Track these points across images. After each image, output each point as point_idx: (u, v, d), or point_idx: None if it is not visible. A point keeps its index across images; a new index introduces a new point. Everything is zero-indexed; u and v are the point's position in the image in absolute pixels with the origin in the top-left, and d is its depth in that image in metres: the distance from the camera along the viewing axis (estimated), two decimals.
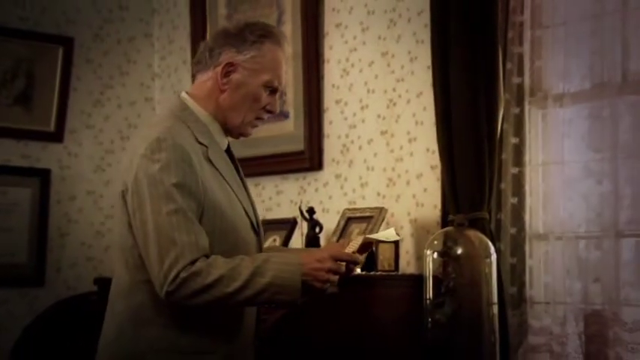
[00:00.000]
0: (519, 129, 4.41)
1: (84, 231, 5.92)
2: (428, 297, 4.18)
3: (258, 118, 3.17)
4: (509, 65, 4.41)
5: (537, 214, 4.40)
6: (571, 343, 4.21)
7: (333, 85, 5.24)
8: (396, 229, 3.31)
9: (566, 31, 4.33)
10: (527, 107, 4.43)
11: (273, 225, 5.23)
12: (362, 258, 3.10)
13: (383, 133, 4.96)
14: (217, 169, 3.04)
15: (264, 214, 5.43)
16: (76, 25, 5.91)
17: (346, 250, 3.04)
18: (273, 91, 3.14)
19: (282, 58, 3.15)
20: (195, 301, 2.86)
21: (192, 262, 2.85)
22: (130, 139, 2.86)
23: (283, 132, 5.44)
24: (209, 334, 3.00)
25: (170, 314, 2.95)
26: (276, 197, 5.52)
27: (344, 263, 2.99)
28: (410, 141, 4.79)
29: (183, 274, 2.84)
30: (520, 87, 4.42)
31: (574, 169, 4.31)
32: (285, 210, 5.40)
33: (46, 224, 5.76)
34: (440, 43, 4.44)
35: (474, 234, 4.16)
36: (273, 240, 5.16)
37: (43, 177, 5.77)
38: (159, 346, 2.96)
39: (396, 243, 4.46)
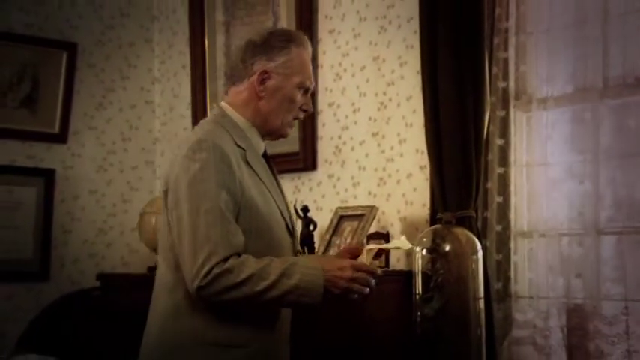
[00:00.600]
0: (505, 131, 4.41)
1: (87, 229, 5.91)
2: (417, 292, 4.19)
3: (295, 118, 3.22)
4: (495, 70, 4.41)
5: (522, 213, 4.41)
6: (554, 336, 4.22)
7: (327, 89, 5.24)
8: (407, 238, 3.33)
9: (549, 38, 4.33)
10: (512, 110, 4.43)
11: None
12: (379, 271, 3.13)
13: (374, 134, 4.96)
14: (254, 171, 3.08)
15: None
16: (79, 31, 5.90)
17: (362, 260, 3.07)
18: (305, 90, 3.18)
19: (308, 58, 3.21)
20: (225, 297, 2.88)
21: (225, 259, 2.87)
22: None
23: None
24: (245, 329, 3.01)
25: (209, 309, 2.96)
26: None
27: (363, 273, 3.01)
28: (400, 142, 4.80)
29: (215, 270, 2.86)
30: (505, 91, 4.42)
31: (557, 170, 4.31)
32: None
33: (50, 222, 5.75)
34: (429, 48, 4.44)
35: (461, 231, 4.17)
36: None
37: (47, 177, 5.75)
38: (200, 339, 2.98)
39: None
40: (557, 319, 4.21)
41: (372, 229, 4.67)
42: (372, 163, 4.95)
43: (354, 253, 3.15)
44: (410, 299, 4.18)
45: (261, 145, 3.20)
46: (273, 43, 3.14)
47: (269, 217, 3.10)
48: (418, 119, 4.62)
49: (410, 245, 3.25)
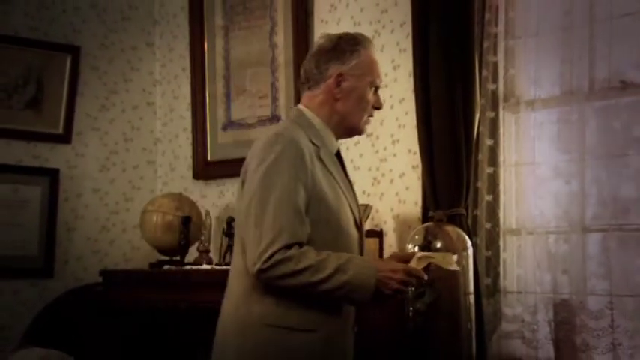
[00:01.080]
0: (494, 132, 4.42)
1: (90, 226, 5.91)
2: (410, 287, 4.22)
3: (370, 116, 3.30)
4: (484, 73, 4.41)
5: (511, 211, 4.41)
6: (541, 330, 4.22)
7: None
8: (455, 259, 3.40)
9: (537, 42, 4.34)
10: (501, 112, 4.43)
11: None
12: (426, 276, 3.21)
13: (368, 135, 4.92)
14: (327, 167, 3.15)
15: None
16: (82, 35, 5.89)
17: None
18: (376, 89, 3.27)
19: (375, 57, 3.30)
20: (282, 282, 2.95)
21: (288, 247, 2.93)
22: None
23: None
24: (314, 314, 3.07)
25: (279, 294, 3.02)
26: None
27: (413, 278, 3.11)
28: (393, 143, 4.81)
29: (277, 256, 2.93)
30: (495, 93, 4.43)
31: (544, 169, 4.32)
32: None
33: (54, 220, 5.74)
34: (421, 52, 4.45)
35: (452, 229, 4.17)
36: None
37: (52, 176, 5.75)
38: (268, 321, 3.04)
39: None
40: (545, 314, 4.22)
41: (367, 227, 4.67)
42: (366, 162, 4.96)
43: (404, 258, 3.24)
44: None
45: (335, 145, 3.28)
46: (343, 47, 3.23)
47: (338, 210, 3.16)
48: (411, 120, 4.62)
49: (457, 268, 3.32)
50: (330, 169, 3.17)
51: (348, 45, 3.23)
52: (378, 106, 3.31)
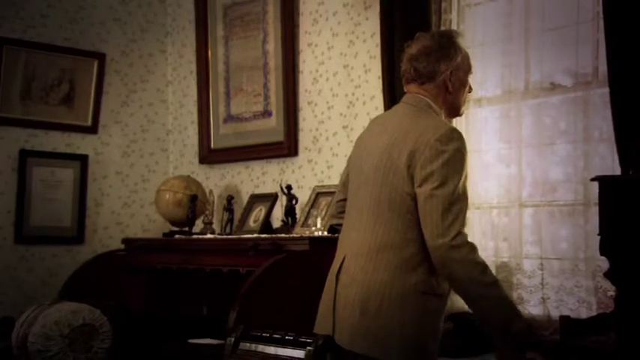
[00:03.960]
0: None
1: (114, 202, 5.89)
2: None
3: (466, 101, 3.22)
4: None
5: None
6: None
7: (306, 91, 5.24)
8: None
9: (482, 51, 4.34)
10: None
11: (260, 198, 5.25)
12: None
13: (344, 127, 4.97)
14: None
15: (253, 190, 5.49)
16: (107, 44, 5.87)
17: None
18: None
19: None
20: (456, 264, 2.81)
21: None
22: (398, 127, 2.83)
23: (267, 127, 5.43)
24: (444, 282, 2.95)
25: (430, 265, 2.89)
26: (262, 177, 5.50)
27: None
28: None
29: (463, 238, 2.82)
30: None
31: (489, 156, 4.33)
32: (269, 187, 5.38)
33: (84, 197, 5.73)
34: (388, 58, 4.46)
35: None
36: (259, 209, 5.18)
37: (82, 161, 5.73)
38: (420, 288, 2.90)
39: None
40: None
41: None
42: (342, 150, 4.94)
43: None
44: None
45: None
46: (446, 44, 3.09)
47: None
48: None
49: None
50: None
51: (450, 42, 3.10)
52: (470, 91, 3.21)
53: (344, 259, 3.05)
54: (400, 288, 2.89)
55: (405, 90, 3.19)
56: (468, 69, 3.16)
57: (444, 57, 3.08)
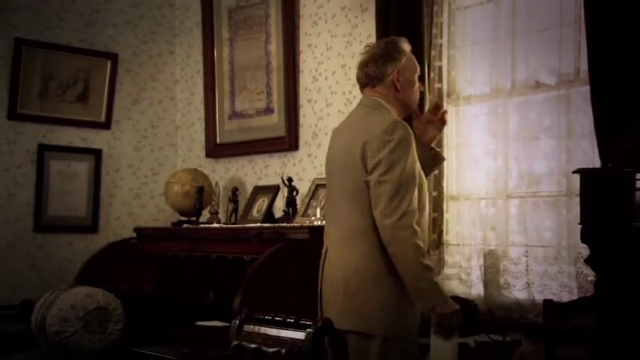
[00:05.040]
0: None
1: (126, 194, 5.89)
2: None
3: (417, 98, 3.30)
4: (432, 75, 4.41)
5: (452, 182, 4.42)
6: (474, 273, 4.26)
7: (306, 89, 5.23)
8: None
9: (472, 51, 4.36)
10: (445, 105, 4.38)
11: (263, 189, 5.25)
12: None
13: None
14: None
15: (256, 182, 5.49)
16: (119, 45, 5.87)
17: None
18: (419, 76, 3.28)
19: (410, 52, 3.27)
20: (398, 244, 2.92)
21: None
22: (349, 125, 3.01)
23: (270, 123, 5.42)
24: None
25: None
26: (265, 170, 5.50)
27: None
28: None
29: (409, 221, 2.92)
30: (440, 90, 4.43)
31: (478, 150, 4.34)
32: (271, 179, 5.38)
33: (98, 189, 5.73)
34: None
35: None
36: (262, 200, 5.18)
37: (96, 155, 5.73)
38: (393, 267, 2.97)
39: None
40: (477, 261, 4.25)
41: None
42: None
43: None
44: None
45: None
46: (392, 49, 3.22)
47: (423, 185, 3.17)
48: None
49: None
50: None
51: (395, 48, 3.23)
52: (422, 90, 3.34)
53: (327, 250, 3.20)
54: (374, 268, 3.01)
55: (362, 94, 3.32)
56: (413, 69, 3.27)
57: (390, 60, 3.21)
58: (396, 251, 2.95)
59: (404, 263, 2.95)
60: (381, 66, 3.20)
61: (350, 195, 3.09)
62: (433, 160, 3.48)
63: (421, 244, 2.96)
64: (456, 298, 3.94)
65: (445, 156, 4.34)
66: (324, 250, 3.23)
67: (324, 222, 4.31)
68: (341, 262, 3.08)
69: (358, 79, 3.30)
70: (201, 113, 5.97)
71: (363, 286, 3.02)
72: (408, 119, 3.33)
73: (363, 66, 3.26)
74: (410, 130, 3.06)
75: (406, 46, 3.27)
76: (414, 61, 3.28)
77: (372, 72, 3.22)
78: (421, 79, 3.46)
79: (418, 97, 3.33)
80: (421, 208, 3.10)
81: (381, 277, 2.99)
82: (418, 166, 3.10)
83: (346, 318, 3.04)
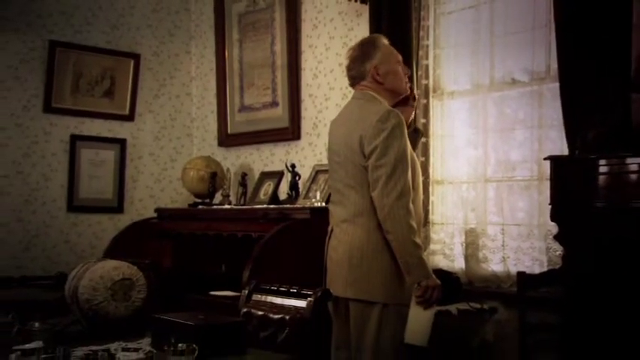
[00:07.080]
0: (426, 113, 4.41)
1: (147, 179, 5.89)
2: None
3: (407, 83, 3.24)
4: (419, 72, 4.41)
5: (437, 168, 4.42)
6: (456, 249, 4.27)
7: (307, 85, 5.22)
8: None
9: (455, 51, 4.35)
10: (431, 99, 4.42)
11: (269, 175, 5.26)
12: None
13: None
14: None
15: (263, 168, 5.49)
16: (142, 46, 5.86)
17: None
18: (403, 65, 3.23)
19: (388, 44, 3.21)
20: (393, 221, 2.90)
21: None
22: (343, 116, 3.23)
23: (275, 115, 5.41)
24: None
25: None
26: (271, 157, 5.50)
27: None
28: None
29: (404, 202, 2.90)
30: (427, 86, 4.43)
31: (460, 139, 4.34)
32: (276, 165, 5.37)
33: (124, 174, 5.73)
34: None
35: None
36: (268, 184, 5.20)
37: (121, 144, 5.73)
38: (389, 245, 2.97)
39: None
40: (459, 238, 4.26)
41: None
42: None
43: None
44: None
45: None
46: (367, 48, 3.18)
47: (417, 167, 3.19)
48: None
49: None
50: None
51: (370, 46, 3.18)
52: (407, 73, 3.25)
53: (332, 229, 3.20)
54: (375, 243, 3.00)
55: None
56: (392, 59, 3.20)
57: (367, 58, 3.16)
58: (390, 228, 2.94)
59: (397, 239, 2.94)
60: (360, 66, 3.16)
61: (351, 179, 3.07)
62: (414, 134, 3.50)
63: (413, 223, 2.95)
64: (441, 271, 3.97)
65: (431, 144, 4.40)
66: (329, 229, 3.22)
67: (323, 204, 4.37)
68: (345, 239, 3.07)
69: (348, 80, 3.27)
70: (214, 107, 5.96)
71: (365, 259, 3.02)
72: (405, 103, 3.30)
73: (347, 70, 3.23)
74: (402, 118, 3.04)
75: (380, 42, 3.20)
76: (390, 52, 3.20)
77: (355, 73, 3.19)
78: (406, 63, 3.41)
79: (406, 81, 3.25)
80: (415, 187, 3.11)
81: (381, 250, 2.99)
82: (410, 149, 3.09)
83: (350, 287, 3.04)
